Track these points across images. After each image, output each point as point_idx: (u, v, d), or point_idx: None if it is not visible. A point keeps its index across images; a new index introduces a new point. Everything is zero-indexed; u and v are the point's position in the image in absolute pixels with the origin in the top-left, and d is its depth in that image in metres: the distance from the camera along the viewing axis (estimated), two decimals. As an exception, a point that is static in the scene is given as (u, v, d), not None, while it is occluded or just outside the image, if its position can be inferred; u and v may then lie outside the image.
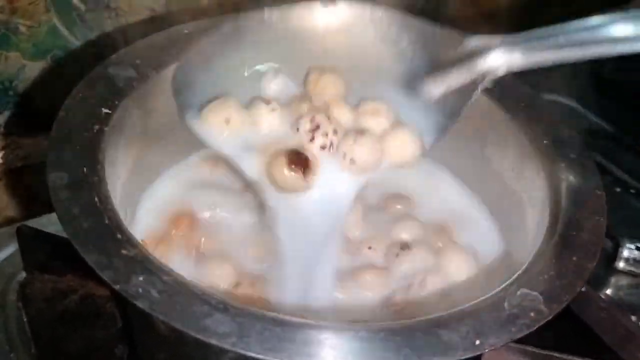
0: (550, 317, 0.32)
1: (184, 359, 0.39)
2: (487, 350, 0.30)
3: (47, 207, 0.62)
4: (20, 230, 0.53)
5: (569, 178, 0.41)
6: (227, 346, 0.29)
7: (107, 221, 0.33)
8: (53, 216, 0.58)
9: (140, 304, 0.30)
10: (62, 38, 0.60)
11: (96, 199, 0.34)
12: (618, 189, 0.71)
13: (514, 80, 0.48)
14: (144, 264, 0.32)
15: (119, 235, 0.33)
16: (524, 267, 0.35)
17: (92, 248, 0.32)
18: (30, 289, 0.53)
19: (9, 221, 0.61)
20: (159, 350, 0.42)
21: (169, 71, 0.45)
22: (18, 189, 0.63)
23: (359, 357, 0.29)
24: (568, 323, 0.55)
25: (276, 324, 0.30)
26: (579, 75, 0.87)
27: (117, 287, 0.30)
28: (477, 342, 0.30)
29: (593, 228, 0.37)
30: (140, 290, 0.30)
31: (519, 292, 0.33)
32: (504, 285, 0.34)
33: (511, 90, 0.47)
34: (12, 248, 0.56)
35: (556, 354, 0.47)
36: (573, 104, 0.81)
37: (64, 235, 0.52)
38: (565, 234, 0.37)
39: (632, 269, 0.61)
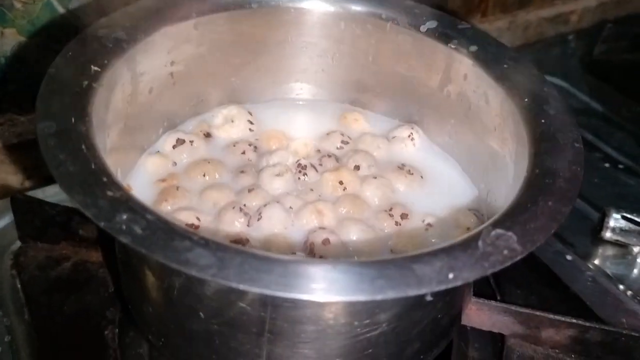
0: (524, 255, 0.33)
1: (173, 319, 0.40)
2: (460, 284, 0.31)
3: (43, 183, 0.64)
4: (15, 199, 0.54)
5: (548, 132, 0.42)
6: (207, 277, 0.30)
7: (93, 166, 0.34)
8: (47, 189, 0.60)
9: (123, 239, 0.31)
10: (57, 14, 0.60)
11: (83, 146, 0.35)
12: (607, 165, 0.72)
13: (496, 43, 0.49)
14: (128, 204, 0.33)
15: (104, 179, 0.34)
16: (499, 212, 0.36)
17: (78, 189, 0.33)
18: (25, 257, 0.54)
19: (5, 196, 0.62)
20: (150, 310, 0.43)
21: (159, 35, 0.47)
22: (14, 165, 0.64)
23: (335, 287, 0.30)
24: (557, 292, 0.56)
25: (255, 258, 0.31)
26: (569, 56, 0.89)
27: (101, 224, 0.31)
28: (451, 275, 0.31)
29: (570, 176, 0.38)
30: (123, 226, 0.31)
31: (493, 233, 0.34)
32: (478, 229, 0.35)
33: (493, 53, 0.48)
34: (6, 220, 0.57)
35: (538, 312, 0.48)
36: (564, 84, 0.83)
37: (58, 202, 0.54)
38: (542, 181, 0.38)
39: (619, 238, 0.61)
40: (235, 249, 0.31)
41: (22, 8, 0.59)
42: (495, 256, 0.32)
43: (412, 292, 0.30)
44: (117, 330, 0.48)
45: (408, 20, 0.51)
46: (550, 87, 0.45)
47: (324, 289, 0.30)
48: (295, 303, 0.34)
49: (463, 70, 0.49)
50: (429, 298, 0.36)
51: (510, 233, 0.34)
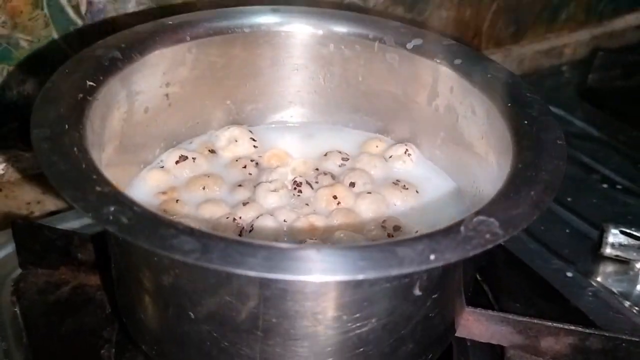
0: (505, 238, 0.33)
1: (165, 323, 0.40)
2: (442, 265, 0.31)
3: (45, 217, 0.64)
4: (15, 224, 0.55)
5: (531, 132, 0.42)
6: (190, 261, 0.30)
7: (84, 166, 0.35)
8: (48, 221, 0.61)
9: (110, 228, 0.31)
10: (61, 52, 0.63)
11: (75, 149, 0.37)
12: (605, 186, 0.73)
13: (479, 56, 0.51)
14: (116, 198, 0.34)
15: (94, 176, 0.35)
16: (482, 204, 0.36)
17: (68, 185, 0.34)
18: (24, 283, 0.54)
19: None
20: (142, 317, 0.43)
21: (154, 56, 0.48)
22: (18, 200, 0.65)
23: (318, 267, 0.31)
24: (557, 305, 0.55)
25: (239, 244, 0.31)
26: (564, 85, 0.91)
27: (89, 214, 0.32)
28: (432, 256, 0.31)
29: (553, 170, 0.39)
30: (110, 217, 0.32)
31: (475, 219, 0.34)
32: (461, 218, 0.35)
33: (477, 65, 0.50)
34: (8, 249, 0.58)
35: (536, 320, 0.47)
36: (560, 112, 0.84)
37: (57, 227, 0.55)
38: (525, 174, 0.38)
39: (619, 253, 0.61)
40: (219, 236, 0.32)
41: (27, 47, 0.61)
42: (477, 240, 0.33)
43: (394, 271, 0.30)
44: (113, 349, 0.48)
45: (395, 39, 0.53)
46: (533, 93, 0.46)
47: (308, 269, 0.30)
48: (285, 294, 0.34)
49: (449, 83, 0.50)
50: (416, 292, 0.37)
51: (492, 219, 0.34)
